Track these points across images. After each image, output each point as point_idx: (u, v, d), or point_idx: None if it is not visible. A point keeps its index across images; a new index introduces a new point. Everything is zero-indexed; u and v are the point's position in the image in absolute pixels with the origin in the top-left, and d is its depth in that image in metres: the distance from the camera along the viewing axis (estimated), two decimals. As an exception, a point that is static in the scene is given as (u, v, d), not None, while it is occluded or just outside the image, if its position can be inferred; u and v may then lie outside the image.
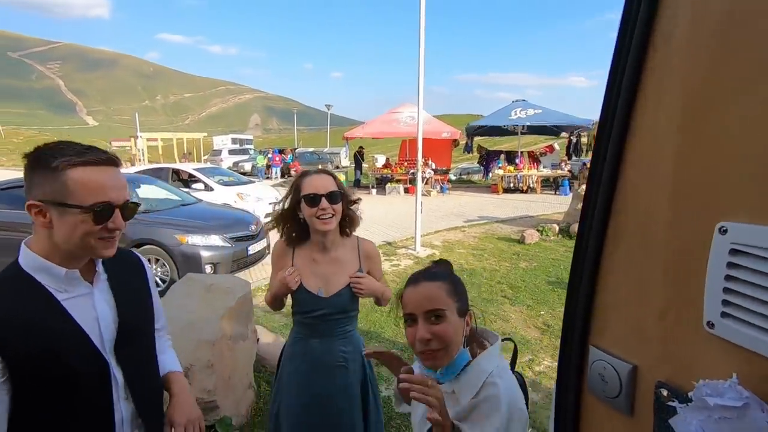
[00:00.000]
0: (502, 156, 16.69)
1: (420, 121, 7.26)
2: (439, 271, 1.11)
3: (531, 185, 15.22)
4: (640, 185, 0.54)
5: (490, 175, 16.71)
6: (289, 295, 1.73)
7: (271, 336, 3.84)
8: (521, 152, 16.34)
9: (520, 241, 7.73)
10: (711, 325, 0.45)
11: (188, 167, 10.54)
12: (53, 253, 1.02)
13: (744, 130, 0.43)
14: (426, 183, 14.07)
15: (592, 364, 0.59)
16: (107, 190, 1.00)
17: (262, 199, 9.52)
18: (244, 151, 29.58)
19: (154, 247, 5.23)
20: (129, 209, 1.06)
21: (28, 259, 1.02)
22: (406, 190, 14.80)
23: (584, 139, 15.44)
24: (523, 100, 15.98)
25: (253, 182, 11.38)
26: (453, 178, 18.77)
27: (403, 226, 9.06)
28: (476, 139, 16.70)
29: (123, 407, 1.11)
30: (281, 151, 24.84)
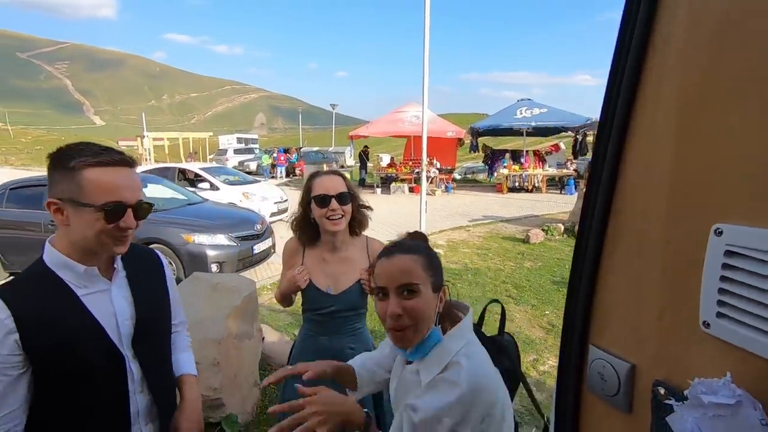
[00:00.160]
0: (508, 155, 16.62)
1: (424, 121, 7.26)
2: (414, 243, 1.04)
3: (536, 184, 15.16)
4: (638, 186, 0.55)
5: (495, 174, 16.66)
6: (299, 293, 1.77)
7: (277, 335, 3.87)
8: (526, 151, 16.28)
9: (525, 240, 7.71)
10: (707, 324, 0.46)
11: (194, 167, 10.61)
12: (73, 250, 1.06)
13: (740, 133, 0.44)
14: (431, 182, 14.06)
15: (592, 362, 0.60)
16: (119, 190, 1.04)
17: (267, 198, 9.56)
18: (250, 151, 29.71)
19: (161, 246, 5.28)
20: (142, 209, 1.09)
21: (52, 256, 1.07)
22: (411, 190, 14.80)
23: (590, 138, 15.35)
24: (529, 99, 15.91)
25: (259, 181, 11.43)
26: (458, 177, 18.73)
27: (407, 225, 9.06)
28: (481, 138, 16.66)
29: (138, 400, 1.15)
30: (286, 151, 24.92)
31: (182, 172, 10.27)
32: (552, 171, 15.11)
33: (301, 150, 25.86)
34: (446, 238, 8.20)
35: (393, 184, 15.52)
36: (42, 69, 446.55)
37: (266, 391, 3.16)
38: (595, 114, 15.04)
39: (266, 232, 6.22)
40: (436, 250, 6.18)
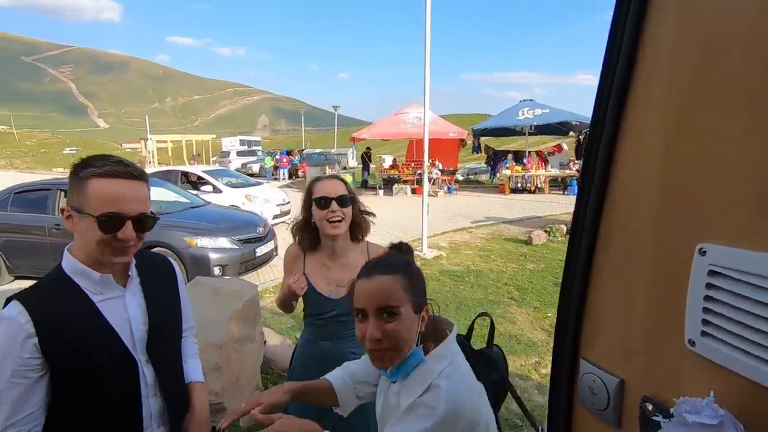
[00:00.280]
0: (510, 156, 16.60)
1: (426, 122, 7.26)
2: (395, 261, 1.00)
3: (539, 185, 15.12)
4: (626, 206, 0.55)
5: (498, 175, 16.64)
6: (301, 298, 1.78)
7: (279, 338, 3.88)
8: (529, 152, 16.25)
9: (528, 242, 7.69)
10: (692, 343, 0.47)
11: (197, 169, 10.65)
12: (86, 257, 1.10)
13: (723, 158, 0.44)
14: (433, 183, 14.06)
15: (582, 376, 0.60)
16: (119, 202, 1.05)
17: (270, 200, 9.58)
18: (252, 153, 29.79)
19: (164, 249, 5.31)
20: (144, 222, 1.10)
21: (69, 263, 1.11)
22: (413, 191, 14.80)
23: (592, 139, 15.25)
24: (531, 100, 15.87)
25: (261, 184, 11.46)
26: (460, 178, 18.72)
27: (410, 227, 9.07)
28: (483, 139, 16.64)
29: (151, 404, 1.17)
30: (289, 153, 24.98)
31: (185, 174, 10.32)
32: (554, 172, 15.07)
33: (304, 152, 25.89)
34: (448, 240, 8.20)
35: (395, 186, 15.53)
36: (47, 72, 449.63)
37: (268, 394, 3.17)
38: (597, 114, 14.91)
39: (268, 235, 6.24)
40: (438, 252, 6.12)
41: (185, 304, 1.38)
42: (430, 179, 10.28)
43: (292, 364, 1.89)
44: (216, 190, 9.52)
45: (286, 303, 1.77)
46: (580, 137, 15.20)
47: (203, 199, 7.34)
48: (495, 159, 16.97)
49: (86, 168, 1.06)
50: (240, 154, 28.90)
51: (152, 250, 1.87)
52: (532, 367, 3.61)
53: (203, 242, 5.39)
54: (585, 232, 0.59)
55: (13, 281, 6.08)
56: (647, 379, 0.52)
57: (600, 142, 0.57)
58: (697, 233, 0.46)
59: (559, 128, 15.82)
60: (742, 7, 0.44)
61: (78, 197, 1.05)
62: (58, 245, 5.58)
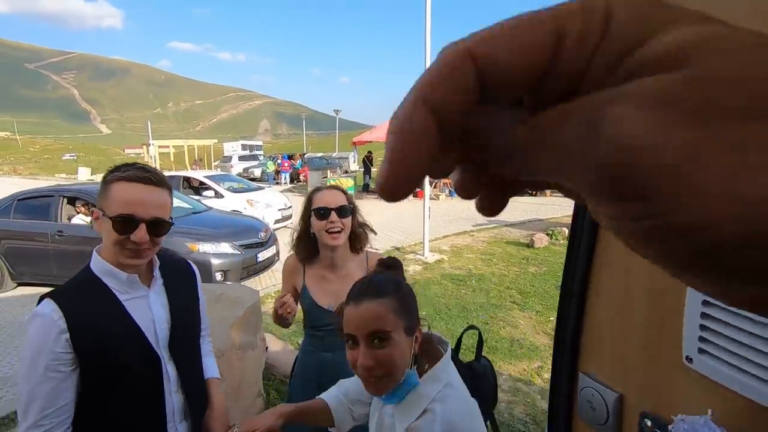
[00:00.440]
0: (511, 159, 16.56)
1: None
2: (384, 283, 0.96)
3: (540, 188, 15.10)
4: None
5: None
6: (300, 309, 1.77)
7: (280, 344, 3.88)
8: (530, 155, 16.23)
9: (530, 245, 7.68)
10: (690, 360, 0.47)
11: (199, 175, 10.69)
12: (113, 258, 1.15)
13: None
14: (434, 187, 14.06)
15: (582, 390, 0.60)
16: (134, 205, 1.11)
17: (271, 205, 9.60)
18: (254, 157, 29.89)
19: (166, 255, 5.31)
20: (159, 226, 1.15)
21: (98, 263, 1.17)
22: (415, 194, 14.80)
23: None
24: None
25: (263, 188, 11.49)
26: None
27: (411, 230, 9.08)
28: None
29: (174, 399, 1.23)
30: (290, 157, 25.05)
31: (187, 180, 10.35)
32: (556, 174, 15.05)
33: (306, 156, 25.97)
34: (450, 244, 8.19)
35: (397, 189, 15.52)
36: (49, 79, 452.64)
37: (270, 401, 3.17)
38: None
39: (270, 240, 6.24)
40: (440, 255, 6.11)
41: (203, 305, 1.45)
42: (431, 182, 10.29)
43: (293, 371, 1.89)
44: (218, 195, 9.55)
45: (278, 322, 1.76)
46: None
47: (205, 205, 7.37)
48: (496, 162, 16.93)
49: (113, 173, 1.15)
50: (242, 158, 29.00)
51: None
52: (534, 371, 3.60)
53: (205, 248, 5.41)
54: (582, 248, 0.60)
55: (15, 288, 6.10)
56: (646, 394, 0.52)
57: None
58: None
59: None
60: (731, 14, 0.44)
61: (103, 200, 1.13)
62: (60, 252, 5.60)
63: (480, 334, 1.31)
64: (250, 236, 5.94)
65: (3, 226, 5.86)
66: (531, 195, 14.90)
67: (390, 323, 0.88)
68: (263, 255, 5.94)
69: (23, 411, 1.04)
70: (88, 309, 1.11)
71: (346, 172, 21.16)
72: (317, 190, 1.75)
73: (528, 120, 0.15)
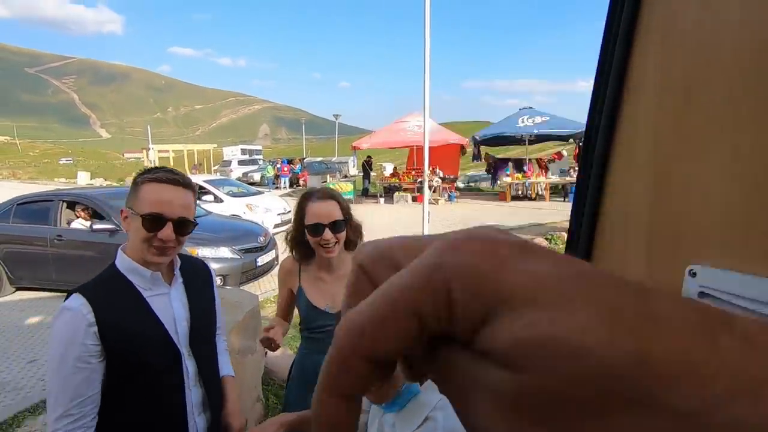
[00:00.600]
0: (510, 164, 16.64)
1: (426, 130, 7.30)
2: None
3: (539, 192, 15.14)
4: (617, 226, 0.56)
5: (498, 182, 16.66)
6: (296, 310, 1.78)
7: (279, 348, 3.87)
8: (529, 159, 16.29)
9: (529, 249, 7.68)
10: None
11: (198, 179, 10.70)
12: (138, 256, 1.21)
13: (713, 178, 0.45)
14: (434, 191, 14.08)
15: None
16: (162, 204, 1.18)
17: (271, 209, 9.62)
18: (254, 162, 29.95)
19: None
20: (184, 225, 1.22)
21: (123, 261, 1.22)
22: (414, 199, 14.82)
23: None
24: (530, 108, 15.94)
25: (262, 193, 11.50)
26: (461, 186, 18.76)
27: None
28: (483, 146, 16.71)
29: (193, 393, 1.29)
30: (290, 161, 25.09)
31: (187, 184, 10.36)
32: (555, 179, 15.10)
33: (305, 160, 26.01)
34: (449, 248, 8.18)
35: (396, 194, 15.56)
36: (50, 84, 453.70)
37: (269, 405, 3.16)
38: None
39: (269, 244, 6.25)
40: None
41: (218, 305, 1.50)
42: (430, 187, 10.31)
43: (290, 374, 1.88)
44: (217, 199, 9.56)
45: (266, 346, 1.76)
46: (580, 144, 15.21)
47: (204, 209, 7.37)
48: (495, 167, 17.01)
49: (143, 175, 1.23)
50: (241, 163, 29.06)
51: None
52: (534, 376, 3.59)
53: (204, 252, 5.41)
54: (579, 253, 0.60)
55: (14, 293, 6.08)
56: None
57: (590, 175, 0.58)
58: (687, 255, 0.47)
59: (559, 136, 15.88)
60: (726, 25, 0.45)
61: (133, 199, 1.19)
62: (59, 256, 5.60)
63: None
64: (250, 241, 5.94)
65: (2, 231, 5.86)
66: (530, 200, 14.92)
67: None
68: (262, 259, 5.94)
69: (53, 401, 1.09)
70: (114, 304, 1.16)
71: (346, 176, 21.18)
72: (309, 197, 1.67)
73: (427, 367, 0.17)
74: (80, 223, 5.69)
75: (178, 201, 1.20)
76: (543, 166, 16.00)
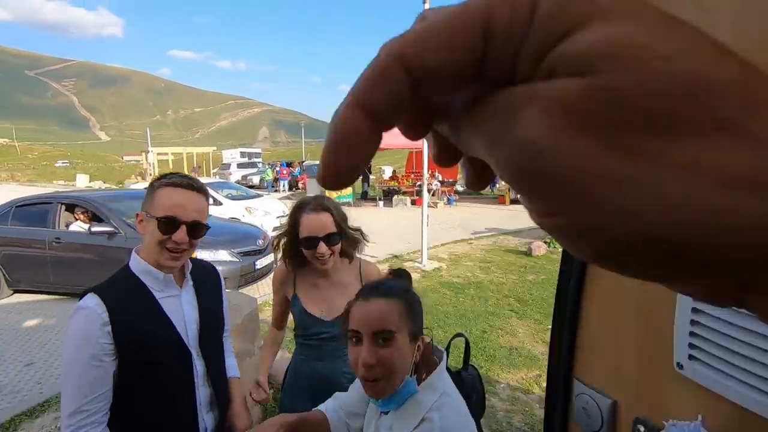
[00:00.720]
0: (509, 167, 16.63)
1: (425, 135, 7.29)
2: (395, 286, 0.98)
3: (538, 196, 15.14)
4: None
5: (498, 185, 16.69)
6: (291, 316, 1.77)
7: (278, 352, 3.86)
8: (528, 163, 16.29)
9: (528, 253, 7.69)
10: (680, 366, 0.48)
11: (197, 182, 10.70)
12: (152, 258, 1.24)
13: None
14: (433, 195, 14.09)
15: (576, 397, 0.61)
16: (177, 207, 1.21)
17: (270, 213, 9.60)
18: (253, 165, 29.93)
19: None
20: (197, 229, 1.26)
21: (137, 263, 1.25)
22: (413, 202, 14.83)
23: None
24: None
25: (261, 196, 11.50)
26: (460, 189, 18.77)
27: (409, 238, 9.07)
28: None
29: (202, 392, 1.32)
30: (289, 164, 25.12)
31: (186, 187, 10.35)
32: (554, 182, 15.11)
33: (304, 163, 26.02)
34: (448, 252, 8.19)
35: (395, 197, 15.56)
36: (49, 86, 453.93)
37: (266, 408, 3.15)
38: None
39: (268, 248, 6.23)
40: (438, 263, 6.11)
41: (226, 307, 1.54)
42: (429, 190, 10.32)
43: (284, 385, 1.87)
44: (216, 202, 9.55)
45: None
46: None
47: (203, 212, 7.36)
48: (494, 170, 17.00)
49: (159, 180, 1.26)
50: (240, 166, 29.04)
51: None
52: (533, 380, 3.59)
53: (203, 255, 5.39)
54: (576, 260, 0.61)
55: (12, 295, 6.06)
56: (639, 400, 0.53)
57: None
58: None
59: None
60: (719, 26, 0.45)
61: (148, 203, 1.23)
62: (58, 259, 5.58)
63: (467, 342, 1.31)
64: (249, 244, 5.93)
65: (0, 233, 5.84)
66: (529, 203, 14.90)
67: (395, 324, 0.90)
68: (261, 262, 5.93)
69: (68, 397, 1.12)
70: (127, 304, 1.19)
71: (345, 179, 21.12)
72: (303, 208, 1.63)
73: (466, 106, 0.15)
74: (79, 226, 5.68)
75: (192, 205, 1.24)
76: (542, 169, 16.00)
